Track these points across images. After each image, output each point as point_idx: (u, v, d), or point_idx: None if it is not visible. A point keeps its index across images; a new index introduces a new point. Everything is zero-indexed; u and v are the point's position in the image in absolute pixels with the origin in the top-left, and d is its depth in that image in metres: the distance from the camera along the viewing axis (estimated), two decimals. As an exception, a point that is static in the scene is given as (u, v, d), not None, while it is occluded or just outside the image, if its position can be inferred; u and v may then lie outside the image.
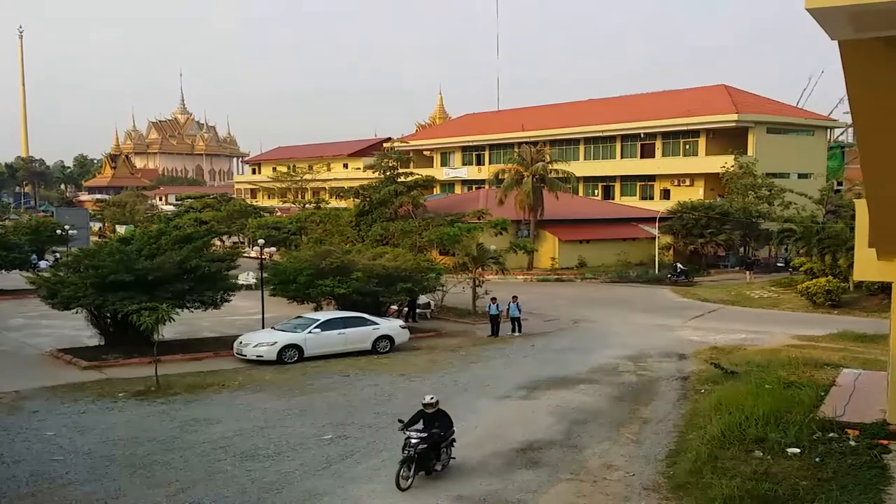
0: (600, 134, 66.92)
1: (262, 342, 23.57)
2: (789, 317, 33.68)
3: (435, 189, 67.78)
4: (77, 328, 26.41)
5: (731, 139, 58.59)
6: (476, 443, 14.91)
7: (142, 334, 22.13)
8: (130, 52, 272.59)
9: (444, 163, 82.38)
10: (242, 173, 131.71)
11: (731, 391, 17.11)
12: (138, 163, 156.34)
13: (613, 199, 65.69)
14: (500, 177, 53.18)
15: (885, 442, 13.45)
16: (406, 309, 31.87)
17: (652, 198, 63.22)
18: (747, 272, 47.26)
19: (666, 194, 61.68)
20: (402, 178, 53.03)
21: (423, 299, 32.54)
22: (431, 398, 13.43)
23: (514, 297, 29.62)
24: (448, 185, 77.84)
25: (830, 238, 37.20)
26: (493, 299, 29.44)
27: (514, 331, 28.98)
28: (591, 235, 52.45)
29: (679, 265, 48.48)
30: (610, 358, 23.78)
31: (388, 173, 53.38)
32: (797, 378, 18.40)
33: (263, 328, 25.85)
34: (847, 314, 33.46)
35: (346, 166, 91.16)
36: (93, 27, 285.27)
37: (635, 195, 65.07)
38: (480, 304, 32.47)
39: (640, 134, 64.39)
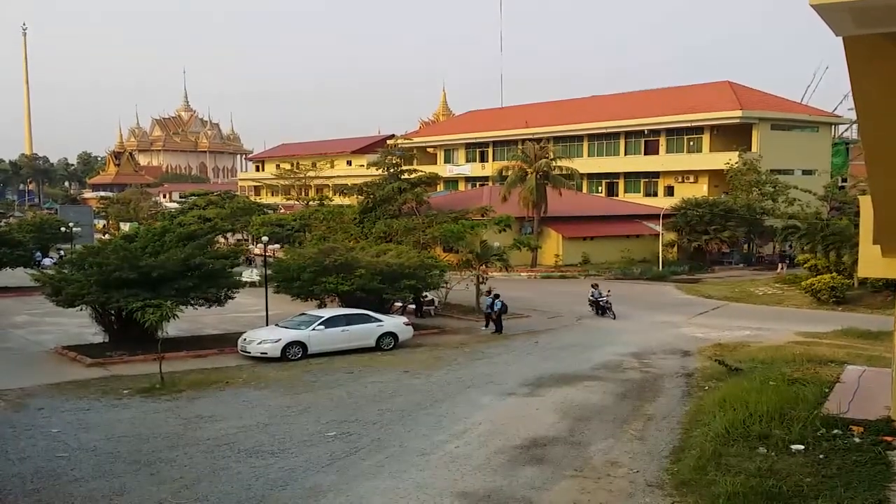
0: (604, 131, 66.86)
1: (265, 339, 23.60)
2: (793, 313, 33.65)
3: (438, 186, 67.70)
4: (81, 325, 26.48)
5: (735, 136, 58.51)
6: (480, 439, 14.92)
7: (146, 331, 22.23)
8: (134, 49, 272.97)
9: (447, 160, 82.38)
10: (246, 170, 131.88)
11: (735, 388, 17.09)
12: (142, 160, 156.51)
13: (617, 195, 65.66)
14: (503, 174, 53.19)
15: (889, 439, 13.42)
16: (412, 305, 32.00)
17: (656, 194, 63.17)
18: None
19: (670, 191, 61.64)
20: (405, 175, 53.05)
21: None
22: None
23: (496, 295, 29.60)
24: (452, 182, 77.80)
25: (835, 235, 37.13)
26: (496, 296, 29.44)
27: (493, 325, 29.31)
28: (595, 232, 52.45)
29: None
30: (614, 355, 23.77)
31: (391, 170, 53.40)
32: (801, 375, 18.37)
33: (267, 325, 25.89)
34: (851, 311, 33.40)
35: (349, 163, 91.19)
36: (96, 24, 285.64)
37: (639, 192, 65.00)
38: (485, 301, 32.43)
39: (644, 131, 64.32)
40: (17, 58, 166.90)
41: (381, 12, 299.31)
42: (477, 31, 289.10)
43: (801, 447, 13.22)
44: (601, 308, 32.07)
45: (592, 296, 32.74)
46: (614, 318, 31.17)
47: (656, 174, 64.17)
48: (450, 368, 21.81)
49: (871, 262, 14.82)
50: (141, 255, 23.80)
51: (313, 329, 24.04)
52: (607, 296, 32.24)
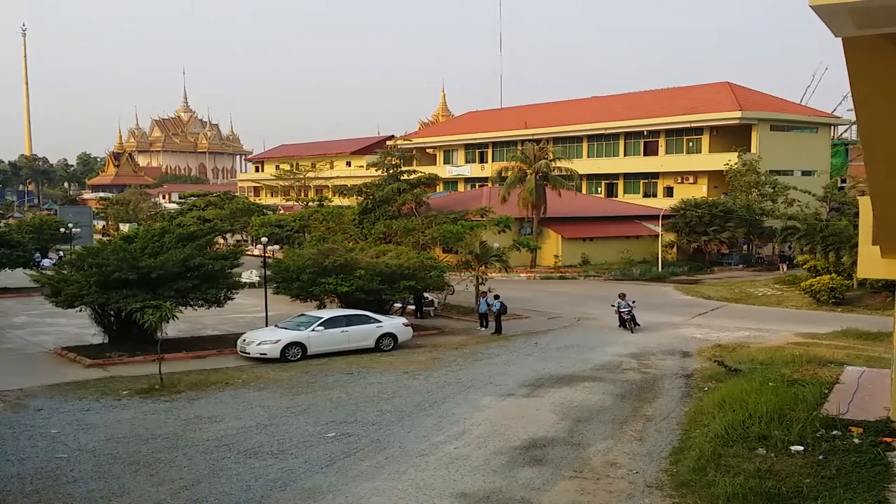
0: (604, 131, 66.87)
1: (265, 340, 23.60)
2: (793, 314, 33.65)
3: (438, 187, 67.77)
4: (81, 326, 26.48)
5: (734, 136, 58.54)
6: (479, 440, 14.93)
7: (145, 332, 22.24)
8: (133, 50, 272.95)
9: (447, 160, 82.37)
10: (245, 171, 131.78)
11: (735, 389, 17.11)
12: (142, 161, 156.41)
13: (617, 196, 65.66)
14: (503, 174, 53.18)
15: (888, 440, 13.43)
16: (412, 306, 32.04)
17: (655, 195, 63.19)
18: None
19: (669, 192, 61.67)
20: (404, 176, 53.04)
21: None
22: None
23: (496, 295, 29.76)
24: (451, 183, 77.83)
25: (834, 235, 37.13)
26: (496, 296, 29.48)
27: (484, 325, 29.52)
28: (595, 233, 52.47)
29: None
30: (613, 355, 23.78)
31: (390, 171, 53.40)
32: (801, 376, 18.38)
33: (267, 326, 25.89)
34: (851, 312, 33.42)
35: (349, 164, 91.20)
36: (95, 25, 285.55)
37: (638, 193, 65.02)
38: (482, 302, 32.46)
39: (643, 131, 64.32)
40: (16, 58, 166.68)
41: (380, 13, 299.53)
42: (476, 31, 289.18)
43: (801, 448, 13.23)
44: (622, 320, 28.81)
45: (618, 307, 29.05)
46: (632, 332, 28.02)
47: (656, 175, 64.18)
48: (449, 369, 21.81)
49: (871, 263, 14.84)
50: (140, 256, 23.78)
51: (313, 330, 24.04)
52: (632, 306, 28.86)
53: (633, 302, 29.19)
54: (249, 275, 37.04)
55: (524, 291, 39.28)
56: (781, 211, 49.97)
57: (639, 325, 28.80)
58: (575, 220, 52.47)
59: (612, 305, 29.59)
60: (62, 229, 54.47)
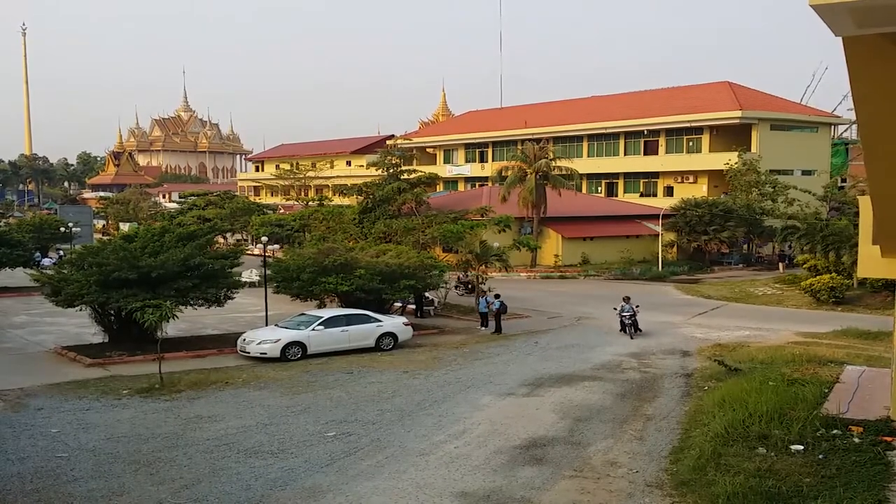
0: (604, 131, 66.88)
1: (265, 339, 23.61)
2: (793, 314, 33.66)
3: (438, 186, 67.77)
4: (81, 325, 26.48)
5: (734, 136, 58.56)
6: (479, 439, 14.93)
7: (145, 332, 22.23)
8: (133, 50, 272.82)
9: (447, 160, 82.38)
10: (246, 171, 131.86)
11: (735, 388, 17.10)
12: (142, 160, 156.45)
13: (617, 196, 65.68)
14: (503, 174, 53.19)
15: (888, 439, 13.42)
16: (412, 306, 32.05)
17: (655, 195, 63.21)
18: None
19: (669, 191, 61.68)
20: (404, 176, 53.06)
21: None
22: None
23: (497, 295, 29.82)
24: (451, 183, 77.84)
25: (834, 235, 37.15)
26: (497, 296, 29.49)
27: (485, 325, 29.56)
28: (595, 233, 52.48)
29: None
30: (613, 355, 23.78)
31: (391, 170, 53.42)
32: (801, 375, 18.38)
33: (267, 325, 25.89)
34: (851, 311, 33.42)
35: (349, 163, 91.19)
36: (95, 25, 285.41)
37: (639, 192, 65.05)
38: (482, 302, 32.46)
39: (643, 131, 64.33)
40: (16, 58, 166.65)
41: (380, 13, 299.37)
42: (476, 31, 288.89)
43: (801, 447, 13.23)
44: (622, 325, 27.42)
45: (621, 310, 27.54)
46: (632, 338, 26.66)
47: (656, 174, 64.19)
48: (449, 369, 21.82)
49: (871, 263, 14.85)
50: (140, 256, 23.79)
51: (313, 329, 24.04)
52: (636, 310, 27.46)
53: (638, 306, 27.80)
54: (249, 274, 37.07)
55: (524, 291, 39.27)
56: (781, 210, 49.99)
57: (641, 330, 27.52)
58: (575, 219, 52.47)
59: (615, 308, 28.10)
60: (62, 228, 54.55)
